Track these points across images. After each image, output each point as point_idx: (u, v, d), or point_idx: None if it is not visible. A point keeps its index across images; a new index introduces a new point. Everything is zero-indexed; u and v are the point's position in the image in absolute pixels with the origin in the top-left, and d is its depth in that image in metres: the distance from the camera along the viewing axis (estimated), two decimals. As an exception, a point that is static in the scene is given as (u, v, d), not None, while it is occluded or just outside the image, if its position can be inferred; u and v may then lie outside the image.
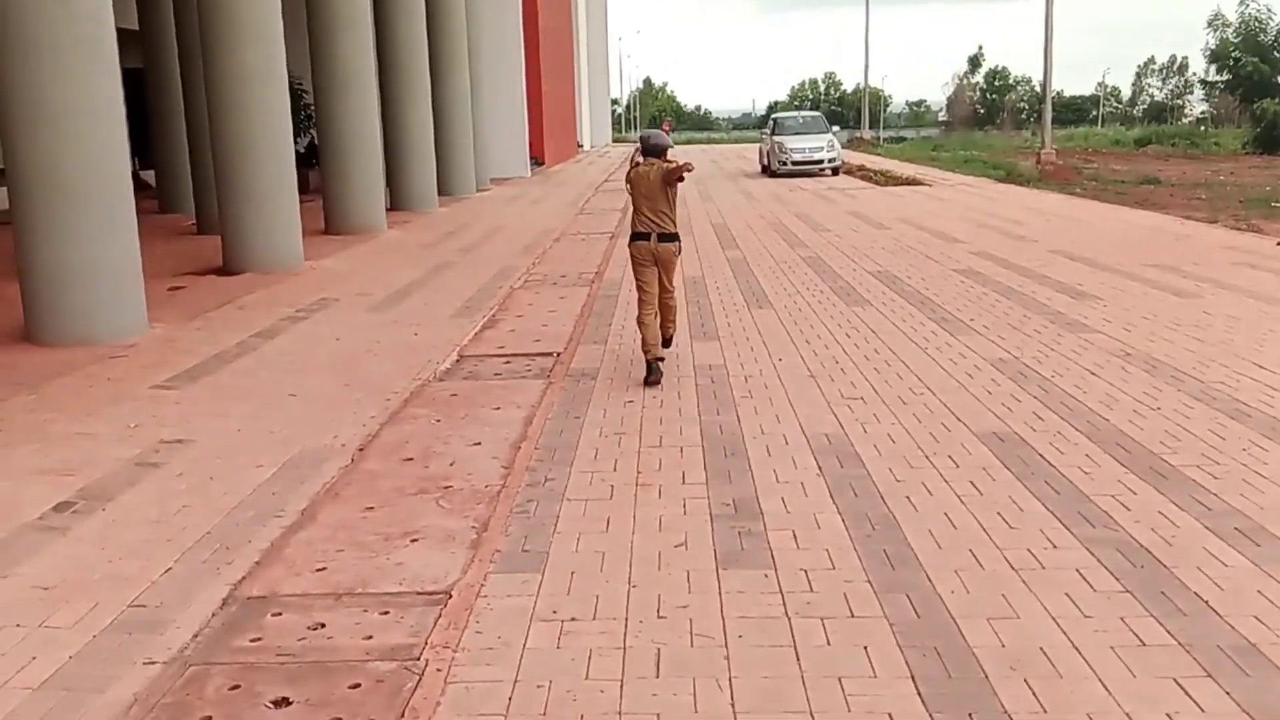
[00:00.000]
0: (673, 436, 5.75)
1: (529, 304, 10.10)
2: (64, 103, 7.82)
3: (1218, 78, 60.75)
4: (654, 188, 7.04)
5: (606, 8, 74.72)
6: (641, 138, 7.48)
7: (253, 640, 3.51)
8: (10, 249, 8.32)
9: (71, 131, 7.87)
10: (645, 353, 7.06)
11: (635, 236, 7.20)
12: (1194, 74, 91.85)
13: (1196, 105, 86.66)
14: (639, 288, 7.26)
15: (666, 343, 7.53)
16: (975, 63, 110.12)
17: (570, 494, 4.89)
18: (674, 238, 7.16)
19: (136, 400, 6.56)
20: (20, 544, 4.35)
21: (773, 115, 35.71)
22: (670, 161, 7.14)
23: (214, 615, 3.71)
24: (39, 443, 5.71)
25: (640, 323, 7.17)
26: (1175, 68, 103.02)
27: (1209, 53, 59.13)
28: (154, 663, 3.38)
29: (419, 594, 3.85)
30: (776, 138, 29.79)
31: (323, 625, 3.61)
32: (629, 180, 7.22)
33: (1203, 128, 56.38)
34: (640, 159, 7.22)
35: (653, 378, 6.94)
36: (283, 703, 3.12)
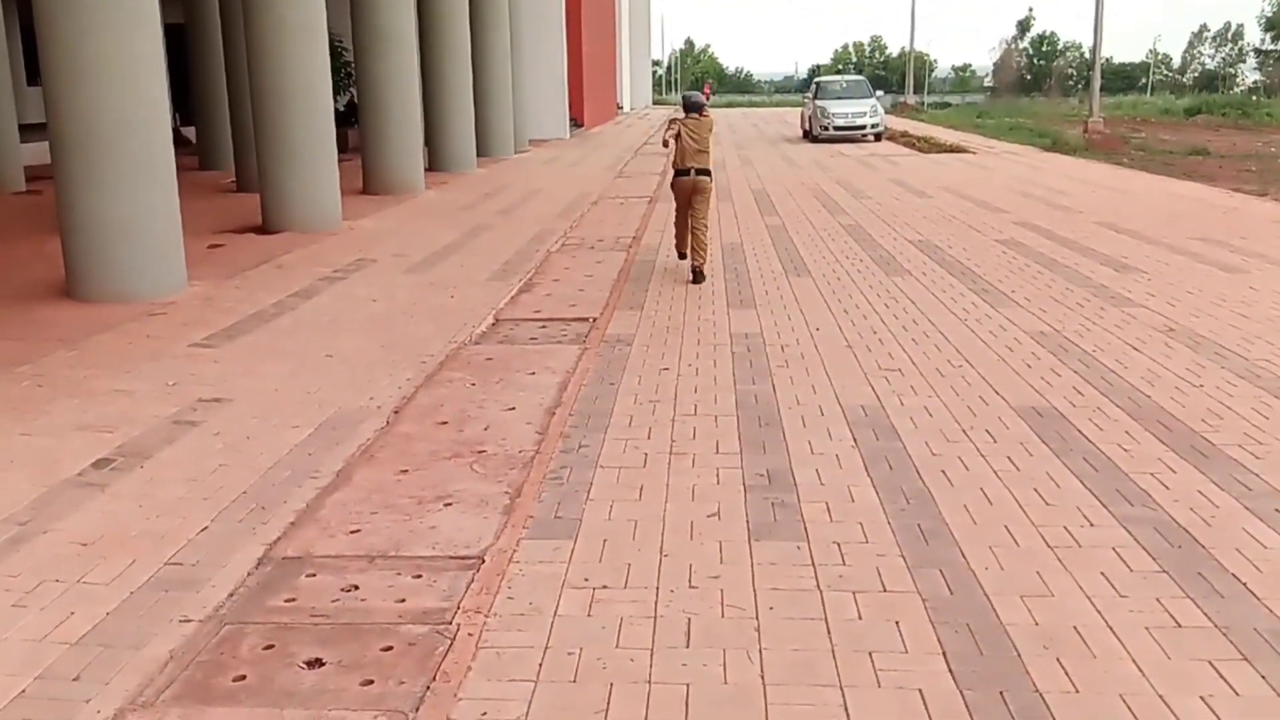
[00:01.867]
0: (707, 405, 5.73)
1: (565, 268, 10.08)
2: (104, 57, 7.84)
3: (1273, 46, 59.34)
4: (698, 137, 9.07)
5: (648, -32, 73.87)
6: (684, 97, 9.68)
7: (287, 600, 3.55)
8: (53, 203, 8.40)
9: (111, 85, 7.89)
10: (679, 252, 9.50)
11: (679, 173, 9.24)
12: (1248, 42, 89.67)
13: (1249, 74, 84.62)
14: (677, 212, 9.43)
15: (699, 275, 9.15)
16: (1024, 27, 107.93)
17: (604, 461, 4.88)
18: (708, 173, 9.23)
19: (175, 358, 6.64)
20: (60, 500, 4.42)
21: (815, 79, 35.22)
22: (708, 117, 9.32)
23: (249, 575, 3.75)
24: (79, 399, 5.79)
25: (678, 241, 9.56)
26: (1229, 35, 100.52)
27: (1264, 20, 57.75)
28: (189, 621, 3.43)
29: (452, 558, 3.87)
30: (819, 102, 29.39)
31: (356, 587, 3.64)
32: (676, 133, 9.14)
33: (1255, 98, 55.05)
34: (682, 114, 9.31)
35: (695, 280, 9.13)
36: (316, 663, 3.16)
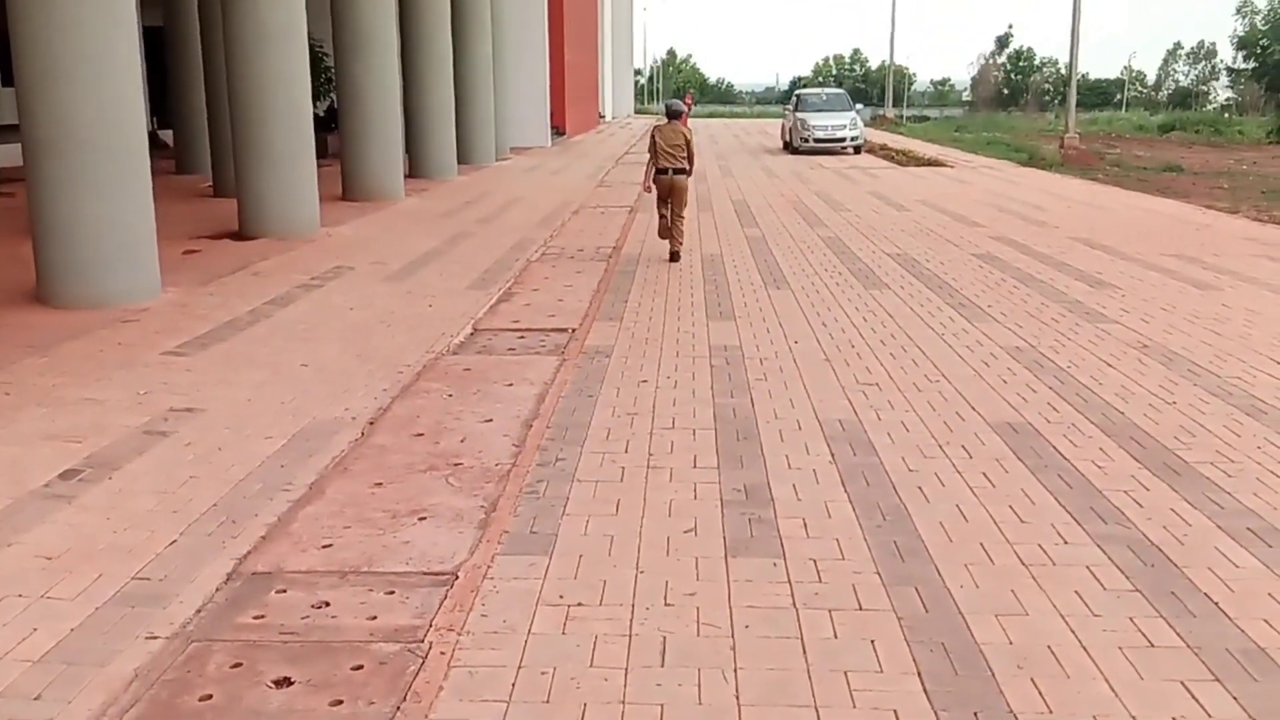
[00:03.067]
0: (685, 418, 5.72)
1: (545, 278, 10.05)
2: (79, 57, 7.75)
3: (1244, 65, 60.18)
4: (674, 141, 10.67)
5: (631, -23, 74.00)
6: (666, 105, 11.44)
7: (256, 617, 3.50)
8: (25, 206, 8.29)
9: (86, 87, 7.80)
10: (660, 236, 11.05)
11: (659, 172, 10.77)
12: (1221, 61, 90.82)
13: (1222, 92, 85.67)
14: (658, 207, 10.96)
15: (675, 257, 10.83)
16: (1003, 43, 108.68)
17: (581, 475, 4.86)
18: (684, 172, 10.76)
19: (147, 366, 6.56)
20: (26, 511, 4.34)
21: (796, 91, 35.38)
22: (688, 129, 10.98)
23: (218, 590, 3.69)
24: (48, 407, 5.71)
25: (659, 227, 11.07)
26: (1202, 53, 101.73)
27: (1236, 40, 58.56)
28: (156, 637, 3.37)
29: (425, 574, 3.83)
30: (799, 114, 29.54)
31: (327, 604, 3.59)
32: (654, 136, 10.84)
33: (1227, 115, 55.77)
34: (664, 121, 11.02)
35: (672, 259, 10.83)
36: (284, 682, 3.11)
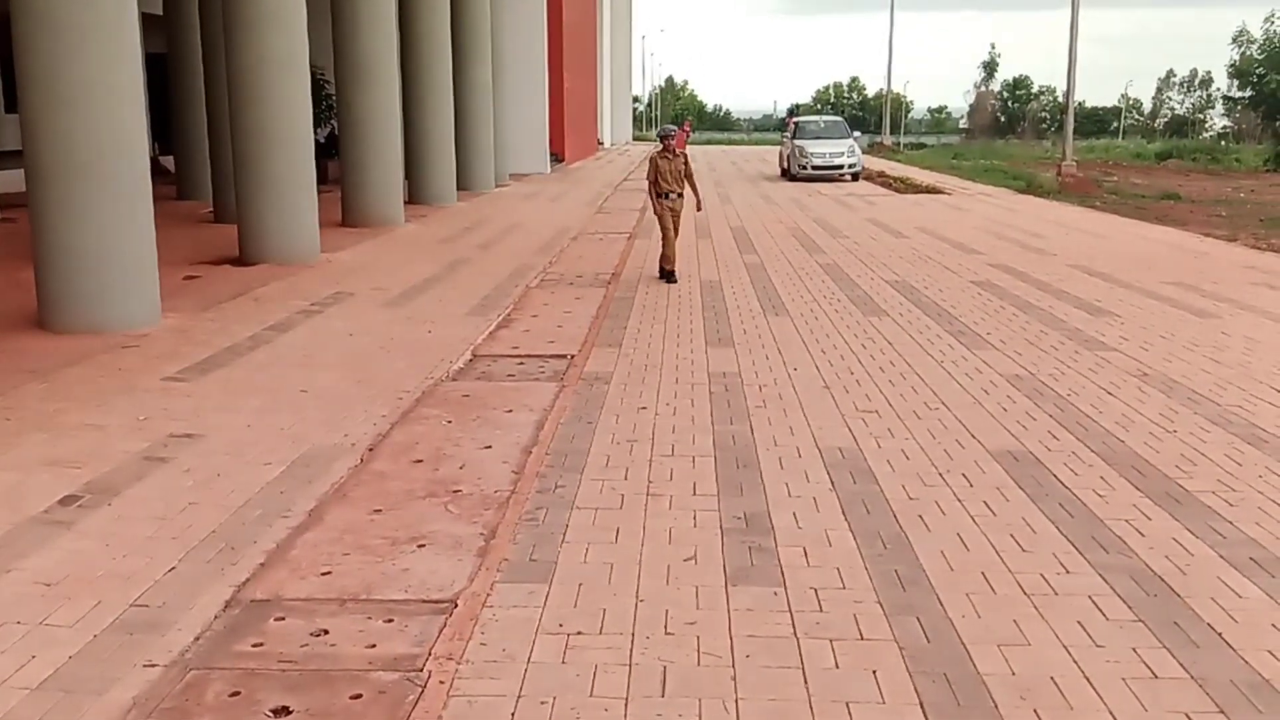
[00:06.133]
0: (685, 445, 5.71)
1: (544, 304, 10.07)
2: (83, 84, 7.79)
3: (1240, 93, 60.63)
4: (673, 168, 11.49)
5: (631, 5, 74.53)
6: (661, 131, 12.12)
7: (254, 645, 3.48)
8: (28, 232, 8.30)
9: (90, 113, 7.83)
10: (661, 263, 11.61)
11: (660, 195, 11.56)
12: (1217, 89, 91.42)
13: (1218, 120, 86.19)
14: (661, 228, 11.61)
15: (672, 277, 11.42)
16: (990, 68, 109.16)
17: (580, 502, 4.85)
18: (681, 195, 11.57)
19: (147, 392, 6.55)
20: (25, 538, 4.33)
21: (794, 118, 35.55)
22: (685, 153, 11.87)
23: (216, 618, 3.68)
24: (48, 432, 5.70)
25: (663, 252, 11.60)
26: (1198, 82, 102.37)
27: (1232, 68, 59.00)
28: (154, 665, 3.35)
29: (424, 602, 3.81)
30: (797, 141, 29.69)
31: (326, 631, 3.57)
32: (653, 161, 11.55)
33: (1223, 143, 56.11)
34: (661, 146, 11.70)
35: (667, 280, 11.40)
36: (282, 711, 3.09)
